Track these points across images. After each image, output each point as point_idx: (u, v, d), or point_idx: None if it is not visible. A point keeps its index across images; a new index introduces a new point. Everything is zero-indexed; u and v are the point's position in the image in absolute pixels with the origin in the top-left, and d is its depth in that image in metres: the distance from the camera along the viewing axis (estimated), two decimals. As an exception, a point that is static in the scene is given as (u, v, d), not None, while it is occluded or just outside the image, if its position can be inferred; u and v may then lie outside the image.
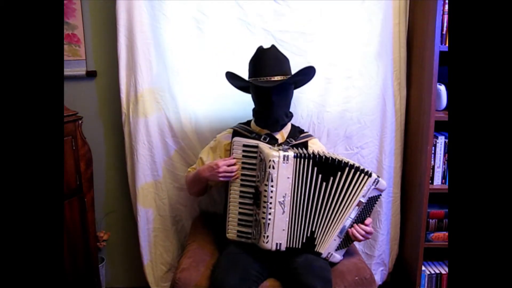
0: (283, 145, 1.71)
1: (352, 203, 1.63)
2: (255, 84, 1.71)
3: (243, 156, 1.70)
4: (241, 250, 1.67)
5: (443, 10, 1.90)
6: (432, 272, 2.15)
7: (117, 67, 2.06)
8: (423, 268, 2.13)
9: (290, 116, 1.83)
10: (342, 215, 1.64)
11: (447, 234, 2.09)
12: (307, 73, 1.78)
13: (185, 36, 2.03)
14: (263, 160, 1.62)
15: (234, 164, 1.69)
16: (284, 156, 1.60)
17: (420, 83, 2.06)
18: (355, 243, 2.11)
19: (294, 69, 1.78)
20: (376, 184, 1.63)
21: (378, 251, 2.25)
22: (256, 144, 1.69)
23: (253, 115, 1.85)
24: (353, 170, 1.63)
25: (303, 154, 1.62)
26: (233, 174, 1.69)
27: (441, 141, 2.03)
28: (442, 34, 1.91)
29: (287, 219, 1.63)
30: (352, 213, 1.64)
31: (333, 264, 1.71)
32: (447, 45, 1.93)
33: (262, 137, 1.76)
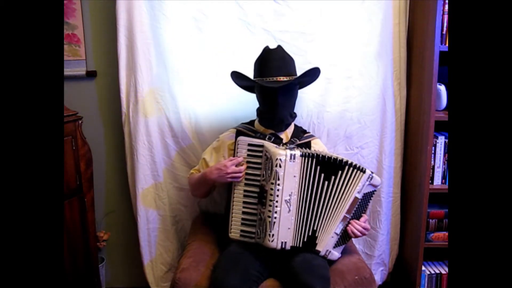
0: (288, 145, 1.73)
1: (348, 200, 1.65)
2: (261, 84, 1.72)
3: (248, 155, 1.71)
4: (241, 250, 1.67)
5: (443, 10, 1.90)
6: (432, 272, 2.15)
7: (117, 67, 2.06)
8: (423, 268, 2.13)
9: (294, 116, 1.84)
10: (340, 212, 1.66)
11: (447, 234, 2.09)
12: (313, 74, 1.80)
13: (185, 36, 2.03)
14: (269, 158, 1.63)
15: (241, 164, 1.70)
16: (291, 155, 1.61)
17: (420, 83, 2.06)
18: (355, 243, 2.12)
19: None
20: (371, 180, 1.66)
21: (378, 251, 2.25)
22: (262, 144, 1.70)
23: (258, 114, 1.85)
24: (351, 168, 1.65)
25: (309, 154, 1.64)
26: (241, 174, 1.69)
27: (441, 141, 2.03)
28: (442, 34, 1.91)
29: (293, 218, 1.64)
30: (348, 209, 1.66)
31: (331, 262, 1.71)
32: (447, 45, 1.93)
33: (267, 136, 1.77)
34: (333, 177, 1.65)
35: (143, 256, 2.18)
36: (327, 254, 1.69)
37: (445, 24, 1.91)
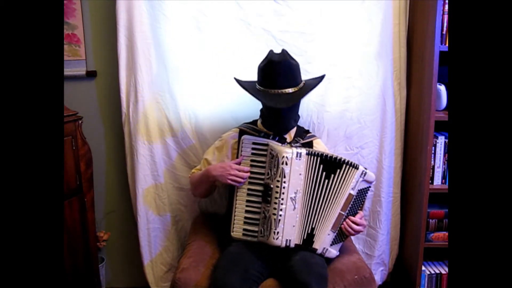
0: (292, 143, 1.74)
1: (343, 196, 1.67)
2: (265, 103, 1.71)
3: (252, 154, 1.72)
4: (242, 250, 1.67)
5: (443, 10, 1.90)
6: (432, 272, 2.15)
7: (117, 67, 2.06)
8: (423, 268, 2.13)
9: (298, 119, 1.86)
10: (335, 209, 1.68)
11: (447, 234, 2.09)
12: (319, 83, 1.79)
13: (185, 36, 2.03)
14: (275, 156, 1.64)
15: (245, 172, 1.70)
16: (297, 153, 1.64)
17: (420, 83, 2.06)
18: (355, 243, 2.12)
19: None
20: (364, 176, 1.68)
21: (378, 251, 2.25)
22: (266, 142, 1.71)
23: (261, 116, 1.85)
24: (346, 166, 1.68)
25: (314, 152, 1.67)
26: (242, 180, 1.69)
27: (441, 141, 2.03)
28: (442, 34, 1.91)
29: (298, 216, 1.66)
30: (343, 206, 1.67)
31: (330, 261, 1.72)
32: (447, 45, 1.93)
33: (271, 136, 1.77)
34: (332, 175, 1.67)
35: (143, 256, 2.18)
36: (324, 252, 1.69)
37: (445, 24, 1.91)
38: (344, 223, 1.69)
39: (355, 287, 1.64)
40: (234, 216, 1.72)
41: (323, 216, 1.69)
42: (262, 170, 1.70)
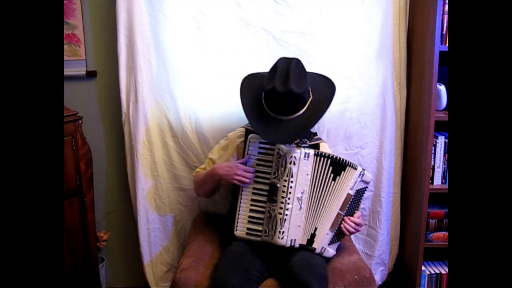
0: (299, 144, 1.75)
1: (342, 196, 1.69)
2: (266, 137, 1.68)
3: (259, 153, 1.72)
4: (242, 250, 1.67)
5: (443, 10, 1.90)
6: (432, 272, 2.15)
7: (117, 67, 2.06)
8: (423, 268, 2.13)
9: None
10: (334, 209, 1.70)
11: (447, 234, 2.09)
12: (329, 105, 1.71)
13: (185, 36, 2.03)
14: (282, 156, 1.65)
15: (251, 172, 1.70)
16: (305, 153, 1.65)
17: (420, 83, 2.06)
18: (355, 243, 2.12)
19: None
20: (362, 176, 1.71)
21: (378, 251, 2.25)
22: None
23: None
24: (349, 168, 1.70)
25: (322, 153, 1.68)
26: (248, 181, 1.69)
27: (441, 141, 2.03)
28: (442, 34, 1.91)
29: (303, 216, 1.66)
30: (342, 206, 1.69)
31: (330, 261, 1.72)
32: (447, 45, 1.93)
33: None
34: (337, 177, 1.69)
35: (143, 256, 2.18)
36: (322, 251, 1.70)
37: (445, 24, 1.91)
38: (343, 222, 1.70)
39: (355, 287, 1.64)
40: (238, 214, 1.72)
41: (323, 216, 1.70)
42: (268, 170, 1.70)
